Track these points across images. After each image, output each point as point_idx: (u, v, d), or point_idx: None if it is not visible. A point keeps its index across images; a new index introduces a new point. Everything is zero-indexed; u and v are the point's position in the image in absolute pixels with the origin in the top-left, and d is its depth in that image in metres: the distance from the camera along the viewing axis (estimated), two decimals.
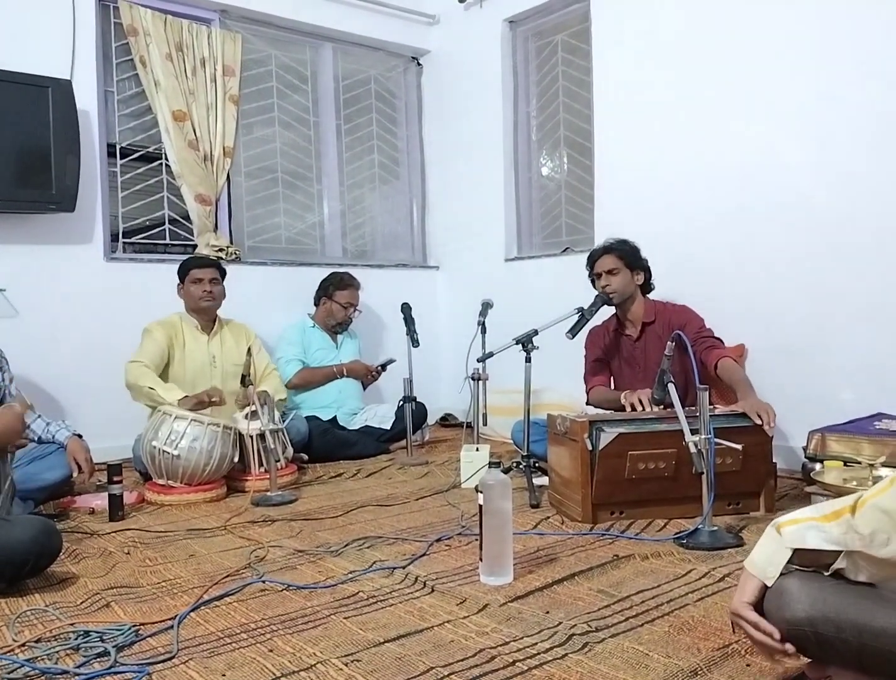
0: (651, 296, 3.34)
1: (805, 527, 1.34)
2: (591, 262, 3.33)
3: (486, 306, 3.80)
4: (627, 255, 3.24)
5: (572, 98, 4.58)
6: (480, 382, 3.51)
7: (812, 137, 3.36)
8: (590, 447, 2.61)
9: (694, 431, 2.38)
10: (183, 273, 3.73)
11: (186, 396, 3.34)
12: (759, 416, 2.59)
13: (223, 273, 3.80)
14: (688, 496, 2.57)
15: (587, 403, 3.38)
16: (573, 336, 3.14)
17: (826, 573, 1.33)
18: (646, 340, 3.25)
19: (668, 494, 2.64)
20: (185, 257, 4.26)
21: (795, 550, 1.34)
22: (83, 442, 2.96)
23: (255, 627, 1.80)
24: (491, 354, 3.33)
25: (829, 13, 3.28)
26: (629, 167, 4.08)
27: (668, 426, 2.58)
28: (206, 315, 3.76)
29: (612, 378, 3.37)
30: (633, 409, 2.87)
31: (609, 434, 2.57)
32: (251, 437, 3.28)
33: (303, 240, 4.94)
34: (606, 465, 2.58)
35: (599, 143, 4.27)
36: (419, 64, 5.38)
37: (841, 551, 1.30)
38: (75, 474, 2.86)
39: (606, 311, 3.35)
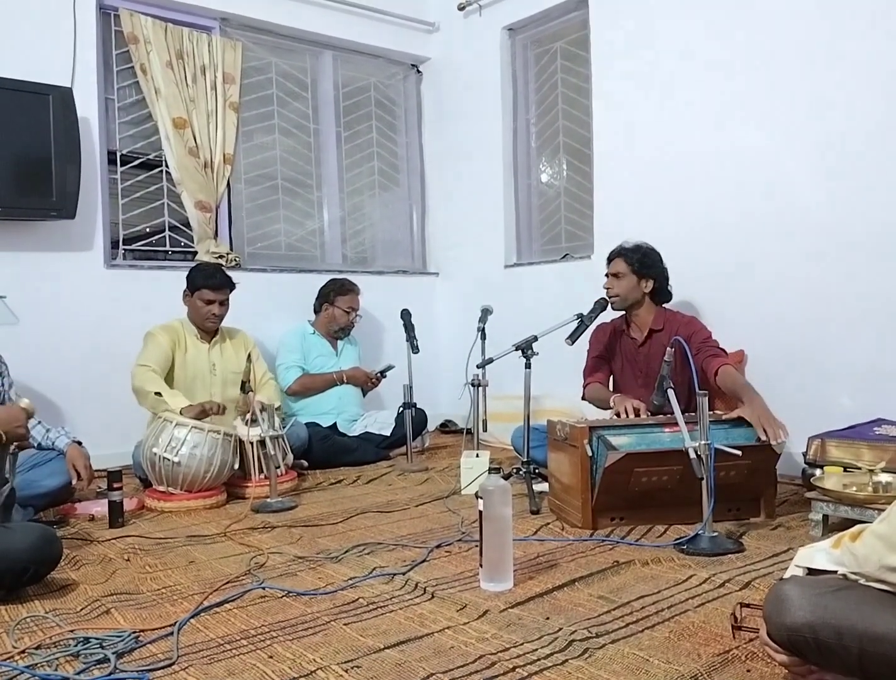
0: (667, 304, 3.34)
1: (816, 549, 1.44)
2: (608, 261, 3.33)
3: (486, 312, 3.81)
4: (636, 261, 3.22)
5: (571, 105, 4.60)
6: (480, 388, 3.51)
7: (811, 144, 3.37)
8: (590, 453, 2.61)
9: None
10: (193, 286, 3.66)
11: (190, 405, 3.34)
12: (766, 431, 2.54)
13: (233, 288, 3.75)
14: (688, 502, 2.56)
15: (582, 398, 3.37)
16: (573, 342, 3.15)
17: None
18: (650, 347, 3.25)
19: (669, 500, 2.63)
20: (185, 264, 4.28)
21: (809, 571, 1.44)
22: (83, 449, 2.95)
23: (255, 634, 1.80)
24: (490, 360, 3.34)
25: (826, 20, 3.29)
26: (628, 174, 4.09)
27: (674, 445, 2.52)
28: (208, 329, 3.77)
29: (612, 377, 3.37)
30: (619, 415, 2.87)
31: (616, 453, 2.54)
32: (251, 443, 3.28)
33: (303, 246, 4.95)
34: (610, 479, 2.57)
35: (598, 150, 4.28)
36: (419, 71, 5.40)
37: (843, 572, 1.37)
38: (74, 481, 2.86)
39: (607, 316, 3.36)
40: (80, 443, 2.98)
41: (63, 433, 2.97)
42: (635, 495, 2.61)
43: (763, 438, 2.55)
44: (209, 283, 3.66)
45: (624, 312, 3.34)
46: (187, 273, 3.74)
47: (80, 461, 2.86)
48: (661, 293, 3.29)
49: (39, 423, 2.99)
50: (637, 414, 2.86)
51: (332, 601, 2.00)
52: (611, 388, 3.33)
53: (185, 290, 3.71)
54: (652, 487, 2.59)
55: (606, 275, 3.29)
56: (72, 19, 3.89)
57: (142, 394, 3.42)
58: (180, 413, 3.25)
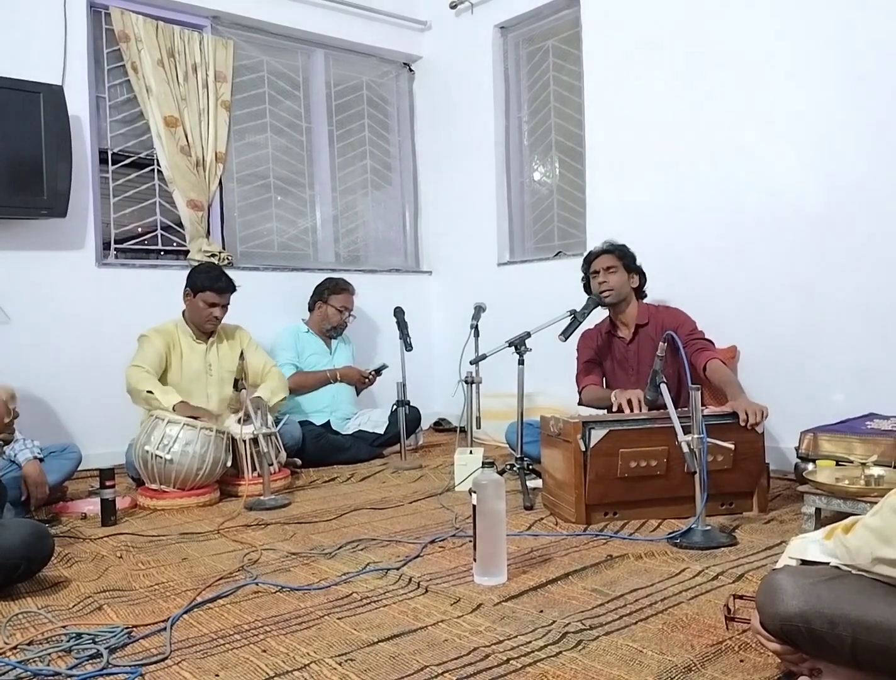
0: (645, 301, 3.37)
1: (809, 540, 1.44)
2: (588, 262, 3.35)
3: (479, 310, 3.81)
4: (625, 256, 3.29)
5: (564, 103, 4.60)
6: (473, 386, 3.51)
7: (802, 143, 3.38)
8: (583, 448, 2.61)
9: (686, 431, 2.39)
10: (197, 287, 3.61)
11: (183, 402, 3.32)
12: (747, 414, 2.62)
13: (235, 291, 3.72)
14: (681, 497, 2.58)
15: (579, 403, 3.38)
16: (566, 338, 3.15)
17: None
18: (639, 343, 3.27)
19: (662, 494, 2.65)
20: (177, 263, 4.28)
21: (801, 563, 1.44)
22: (40, 467, 2.85)
23: (249, 629, 1.80)
24: (484, 357, 3.33)
25: (818, 21, 3.30)
26: (620, 171, 4.10)
27: (658, 423, 2.61)
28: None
29: (604, 379, 3.38)
30: (622, 409, 2.88)
31: (600, 431, 2.59)
32: (244, 441, 3.27)
33: (295, 245, 4.94)
34: (598, 463, 2.60)
35: (591, 147, 4.28)
36: (411, 70, 5.40)
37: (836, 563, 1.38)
38: (24, 497, 2.79)
39: (599, 314, 3.37)
40: (41, 460, 2.89)
41: (28, 447, 2.87)
42: (626, 484, 2.63)
43: (742, 417, 2.62)
44: (215, 287, 3.62)
45: (608, 315, 3.36)
46: (189, 272, 3.72)
47: (31, 479, 2.80)
48: (642, 289, 3.36)
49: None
50: (639, 403, 2.87)
51: (326, 596, 2.00)
52: None
53: (186, 290, 3.66)
54: (641, 473, 2.62)
55: (595, 272, 3.29)
56: (62, 17, 3.87)
57: (135, 393, 3.40)
58: (173, 409, 3.23)
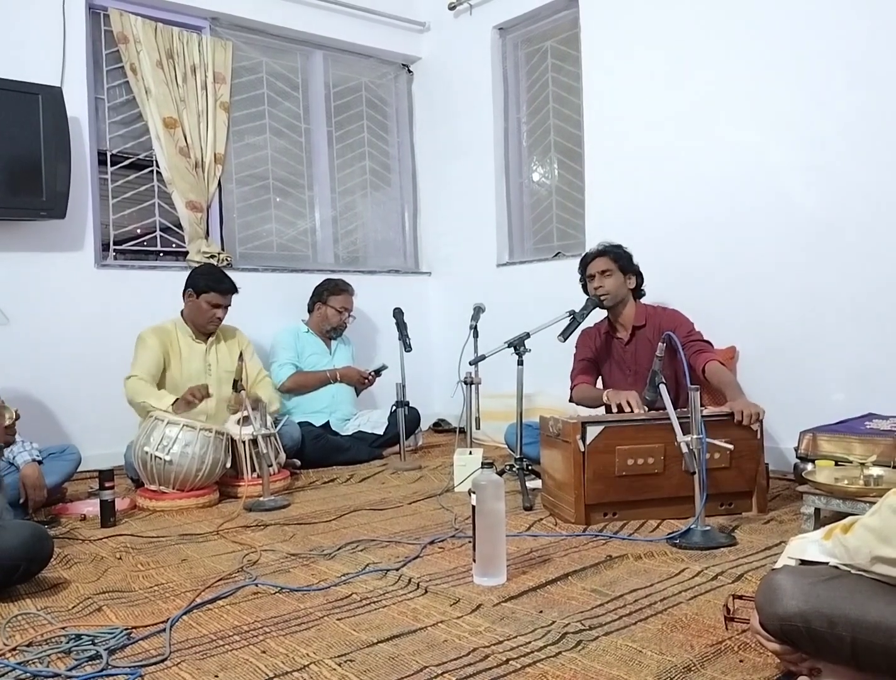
0: (642, 300, 3.37)
1: (808, 540, 1.44)
2: (584, 264, 3.35)
3: (478, 311, 3.81)
4: (621, 258, 3.28)
5: (562, 104, 4.60)
6: (473, 386, 3.51)
7: (800, 143, 3.39)
8: (582, 449, 2.61)
9: (685, 431, 2.39)
10: (200, 287, 3.61)
11: (177, 400, 3.33)
12: (743, 414, 2.63)
13: (237, 293, 3.73)
14: (680, 497, 2.58)
15: (570, 400, 3.38)
16: (565, 339, 3.15)
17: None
18: (636, 344, 3.27)
19: (661, 494, 2.65)
20: (176, 264, 4.28)
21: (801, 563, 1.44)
22: (39, 469, 2.86)
23: (248, 630, 1.79)
24: (483, 357, 3.33)
25: (816, 21, 3.31)
26: (619, 172, 4.10)
27: (656, 422, 2.62)
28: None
29: (600, 380, 3.38)
30: (620, 409, 2.88)
31: (595, 429, 2.60)
32: (243, 442, 3.27)
33: (294, 246, 4.94)
34: (596, 461, 2.61)
35: (589, 148, 4.29)
36: (410, 71, 5.40)
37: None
38: (22, 499, 2.80)
39: (598, 315, 3.37)
40: (40, 462, 2.90)
41: (26, 450, 2.88)
42: (624, 483, 2.63)
43: (738, 417, 2.64)
44: (219, 288, 3.63)
45: (607, 315, 3.36)
46: (191, 273, 3.72)
47: (29, 482, 2.81)
48: (639, 290, 3.35)
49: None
50: (636, 405, 2.88)
51: (325, 597, 2.00)
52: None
53: (188, 291, 3.66)
54: (638, 471, 2.63)
55: (591, 276, 3.29)
56: (61, 19, 3.87)
57: (135, 406, 3.44)
58: (173, 411, 3.23)
